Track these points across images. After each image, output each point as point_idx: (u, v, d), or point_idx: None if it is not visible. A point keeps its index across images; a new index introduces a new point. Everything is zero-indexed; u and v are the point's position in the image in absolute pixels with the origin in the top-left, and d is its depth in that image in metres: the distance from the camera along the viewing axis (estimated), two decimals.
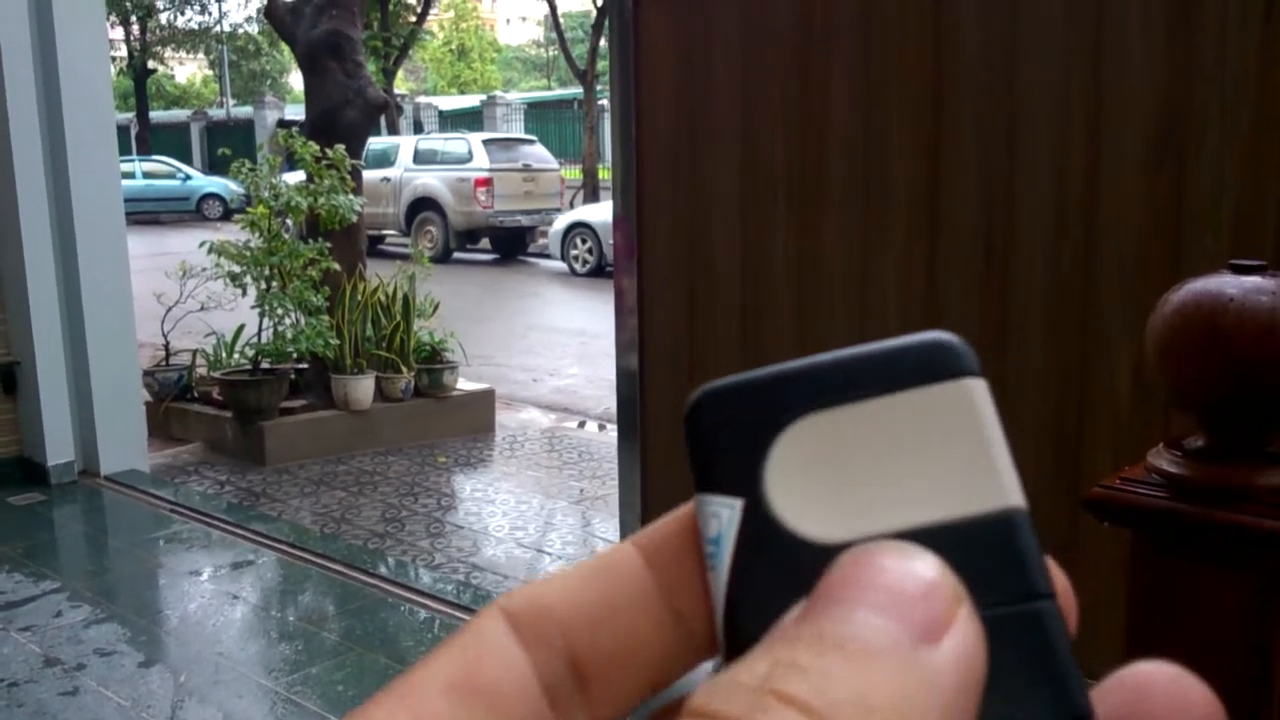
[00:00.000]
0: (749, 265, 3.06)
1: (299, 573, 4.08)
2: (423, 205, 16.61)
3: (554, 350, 9.35)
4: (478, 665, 0.23)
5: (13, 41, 4.87)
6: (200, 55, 37.18)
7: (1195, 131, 2.24)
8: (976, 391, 0.23)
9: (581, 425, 6.81)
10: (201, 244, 6.07)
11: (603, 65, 21.37)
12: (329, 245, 6.01)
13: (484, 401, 6.63)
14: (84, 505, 5.01)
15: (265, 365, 5.97)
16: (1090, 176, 2.40)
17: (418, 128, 26.54)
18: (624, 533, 3.67)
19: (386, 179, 16.59)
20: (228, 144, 13.51)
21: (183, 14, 33.16)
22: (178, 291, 6.20)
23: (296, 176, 6.37)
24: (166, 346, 6.36)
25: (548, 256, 15.59)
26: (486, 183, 16.16)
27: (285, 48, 19.00)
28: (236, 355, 6.30)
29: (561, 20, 25.36)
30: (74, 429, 5.23)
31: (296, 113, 21.03)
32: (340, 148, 6.06)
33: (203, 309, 6.18)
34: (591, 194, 20.23)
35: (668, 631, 0.24)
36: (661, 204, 3.24)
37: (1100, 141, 2.37)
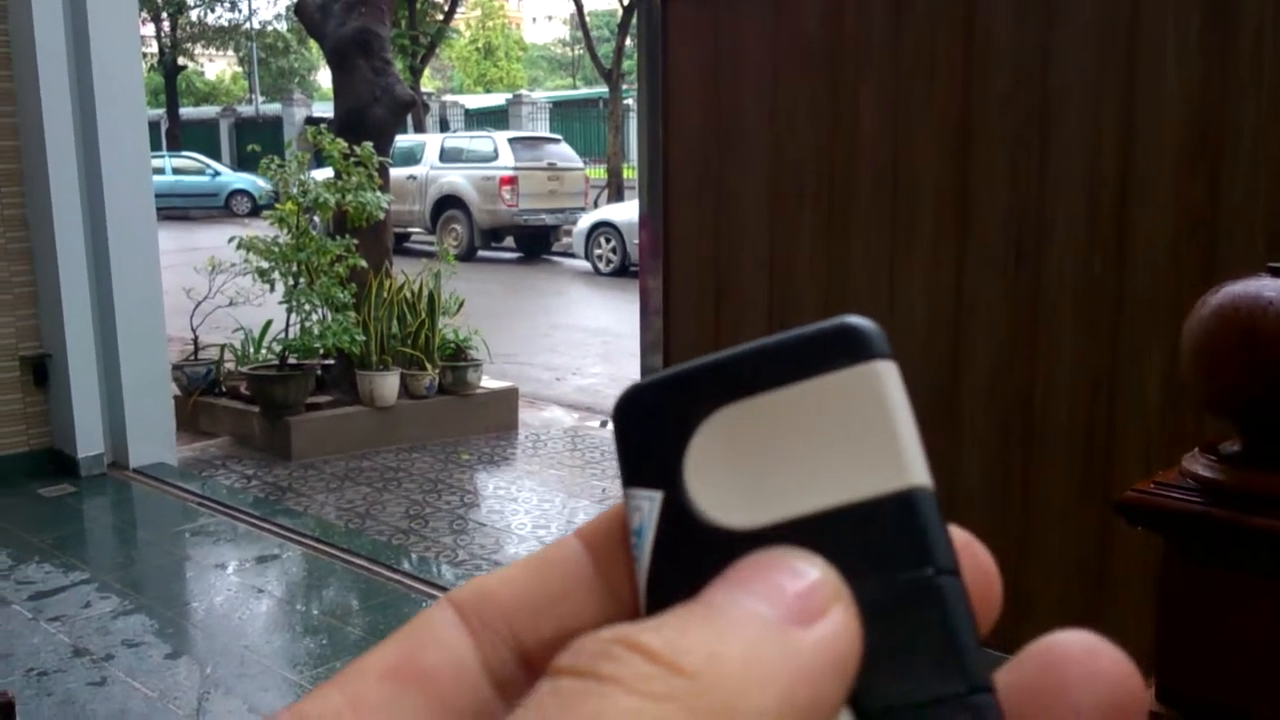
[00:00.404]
0: (775, 266, 3.05)
1: (323, 567, 4.10)
2: (448, 203, 16.67)
3: (577, 349, 9.36)
4: (417, 653, 0.24)
5: (47, 38, 4.93)
6: (230, 52, 37.46)
7: (1230, 133, 2.22)
8: (885, 374, 0.23)
9: (604, 424, 6.81)
10: (230, 239, 6.12)
11: (628, 65, 21.38)
12: (356, 242, 6.04)
13: (507, 399, 6.65)
14: (113, 497, 5.06)
15: (292, 361, 6.01)
16: (1122, 178, 2.38)
17: (444, 126, 26.64)
18: None
19: (412, 177, 16.65)
20: (256, 140, 13.60)
21: (213, 11, 33.42)
22: (206, 287, 6.25)
23: (324, 173, 6.41)
24: (195, 341, 6.41)
25: (572, 255, 15.60)
26: (511, 181, 16.19)
27: (314, 45, 19.12)
28: (264, 350, 6.35)
29: (588, 19, 25.37)
30: (104, 422, 5.28)
31: (324, 110, 21.18)
32: (368, 145, 6.09)
33: (231, 304, 6.23)
34: (616, 193, 20.24)
35: (611, 617, 0.24)
36: (688, 204, 3.24)
37: (1133, 143, 2.35)
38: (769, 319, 3.10)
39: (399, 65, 19.02)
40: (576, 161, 17.74)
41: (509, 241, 17.07)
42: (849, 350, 0.23)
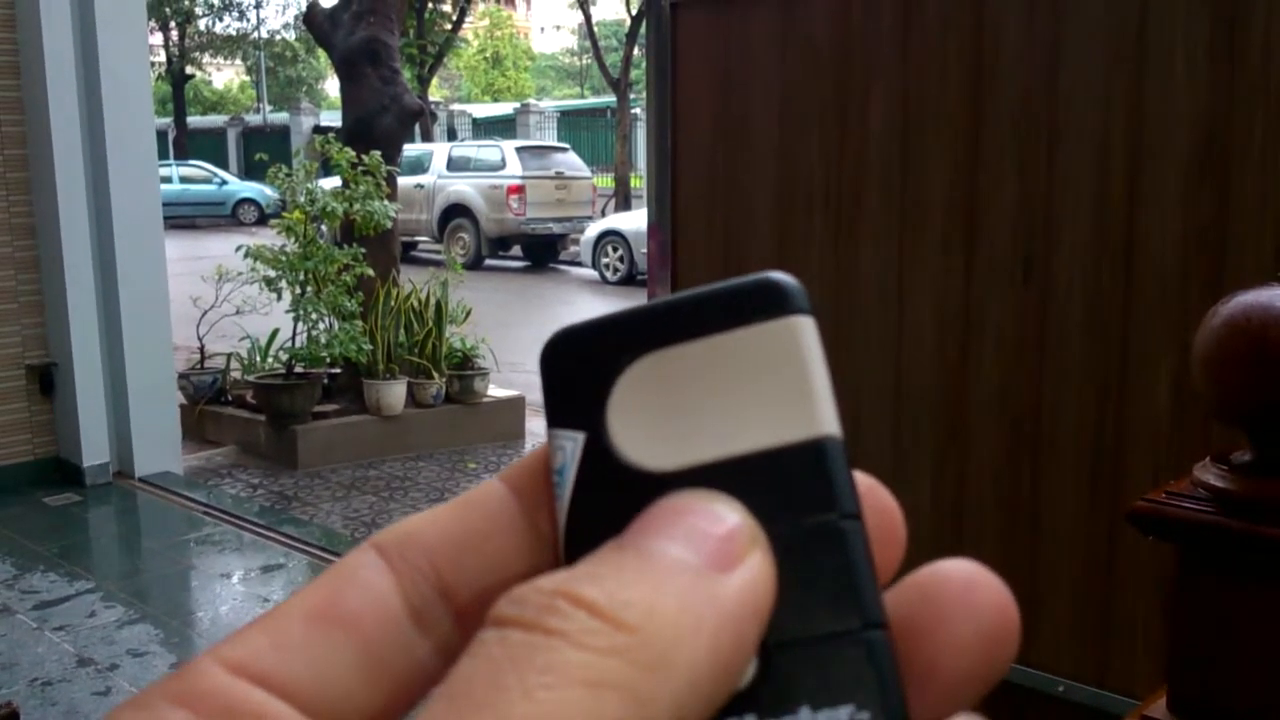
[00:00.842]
0: None
1: None
2: (455, 212, 16.70)
3: None
4: (340, 595, 0.24)
5: (56, 46, 4.95)
6: (238, 61, 37.60)
7: (1240, 141, 2.21)
8: (803, 328, 0.24)
9: None
10: (238, 248, 6.13)
11: (636, 74, 21.42)
12: (363, 251, 6.05)
13: (514, 408, 6.64)
14: (118, 506, 5.06)
15: (299, 369, 6.01)
16: (1131, 187, 2.37)
17: (451, 135, 26.70)
18: None
19: (420, 185, 16.69)
20: (264, 149, 13.64)
21: (221, 20, 33.59)
22: (213, 295, 6.26)
23: (332, 182, 6.42)
24: (201, 350, 6.42)
25: (579, 264, 15.62)
26: (519, 190, 16.22)
27: (322, 54, 19.17)
28: (270, 359, 6.35)
29: (595, 29, 25.44)
30: (109, 430, 5.29)
31: (332, 119, 21.23)
32: (376, 154, 6.10)
33: (238, 313, 6.23)
34: (623, 202, 20.26)
35: (535, 556, 0.25)
36: (696, 213, 3.24)
37: (1141, 151, 2.34)
38: None
39: (407, 74, 19.09)
40: (584, 170, 17.77)
41: (516, 250, 17.09)
42: (770, 304, 0.24)
